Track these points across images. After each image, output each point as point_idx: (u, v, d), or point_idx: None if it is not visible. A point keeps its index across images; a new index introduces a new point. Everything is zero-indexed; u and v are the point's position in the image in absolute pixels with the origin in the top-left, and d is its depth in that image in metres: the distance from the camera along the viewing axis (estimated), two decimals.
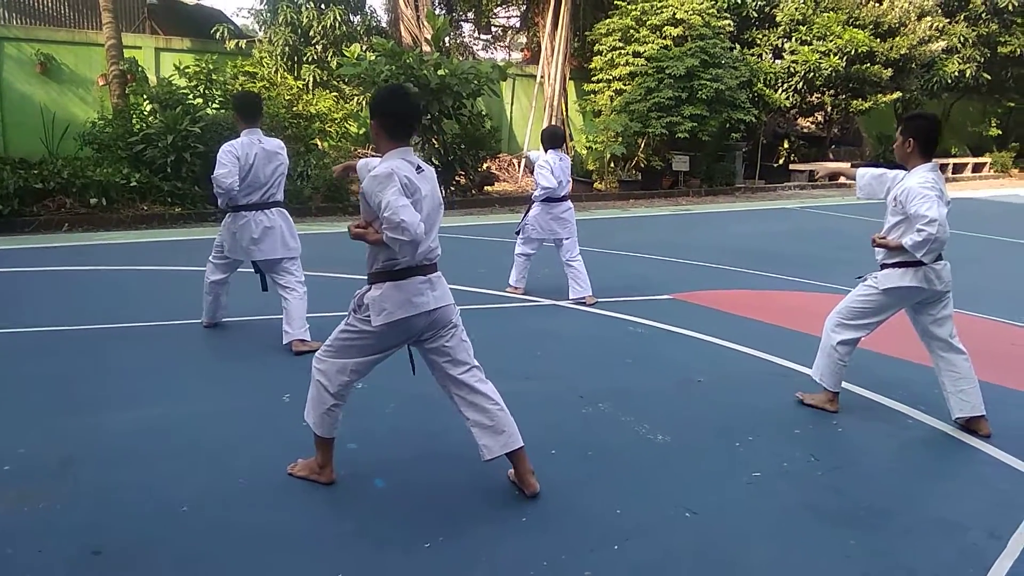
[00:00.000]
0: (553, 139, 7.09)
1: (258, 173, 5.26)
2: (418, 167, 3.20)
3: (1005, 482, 3.70)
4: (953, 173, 23.23)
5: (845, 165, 20.70)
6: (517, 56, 23.50)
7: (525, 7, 20.78)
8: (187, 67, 12.91)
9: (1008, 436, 4.16)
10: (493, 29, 23.60)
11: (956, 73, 20.56)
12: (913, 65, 19.20)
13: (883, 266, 4.29)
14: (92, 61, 13.83)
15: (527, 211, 7.06)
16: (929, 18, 19.09)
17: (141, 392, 4.43)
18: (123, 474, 3.44)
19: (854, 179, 4.70)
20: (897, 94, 19.16)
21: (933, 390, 4.85)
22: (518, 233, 7.14)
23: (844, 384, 4.74)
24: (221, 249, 5.49)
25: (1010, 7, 20.77)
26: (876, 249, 4.34)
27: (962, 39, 20.63)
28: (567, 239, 6.97)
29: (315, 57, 14.63)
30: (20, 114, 13.26)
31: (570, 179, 7.19)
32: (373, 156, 3.55)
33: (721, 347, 5.68)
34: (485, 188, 14.94)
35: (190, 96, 12.39)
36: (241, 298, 6.36)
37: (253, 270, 5.44)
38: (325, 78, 14.66)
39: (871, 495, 3.50)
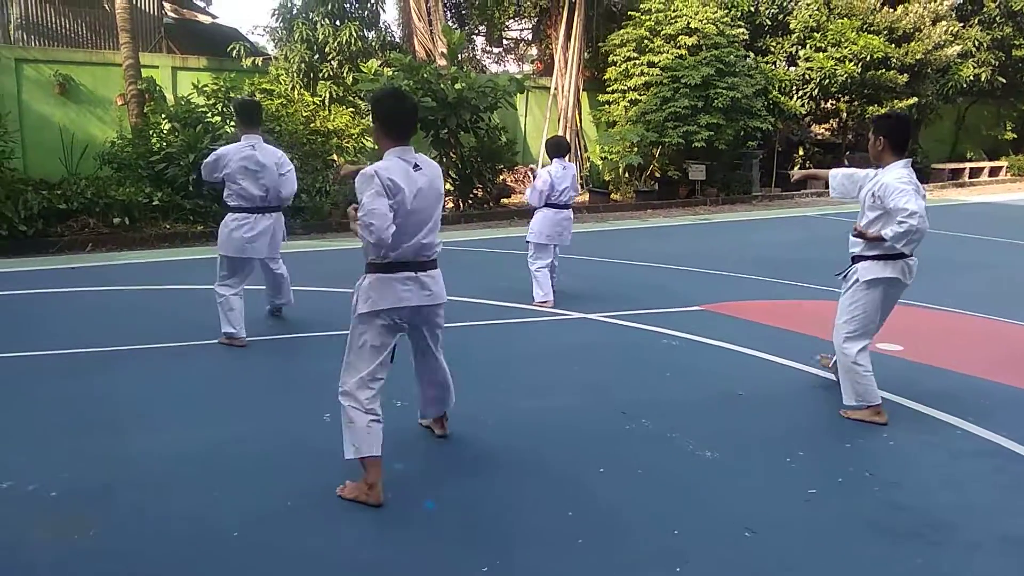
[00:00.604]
0: (558, 148, 7.31)
1: (239, 181, 5.63)
2: (415, 164, 3.34)
3: None
4: (970, 177, 23.05)
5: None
6: (528, 68, 23.53)
7: (537, 19, 20.82)
8: (205, 85, 12.96)
9: None
10: (504, 42, 23.66)
11: (971, 77, 20.42)
12: (928, 70, 19.11)
13: (858, 258, 4.40)
14: (110, 81, 13.92)
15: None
16: (944, 22, 19.01)
17: (175, 414, 4.39)
18: (165, 500, 3.39)
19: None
20: (913, 99, 19.05)
21: (979, 401, 4.79)
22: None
23: (891, 397, 4.68)
24: (225, 254, 5.79)
25: None
26: (852, 241, 4.43)
27: (977, 43, 20.52)
28: (561, 247, 7.29)
29: (331, 73, 14.66)
30: (39, 135, 13.34)
31: (577, 189, 7.39)
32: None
33: (757, 359, 5.60)
34: (502, 201, 14.93)
35: (209, 114, 12.43)
36: (263, 320, 6.37)
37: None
38: (341, 94, 14.69)
39: (932, 510, 3.41)
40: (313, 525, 3.21)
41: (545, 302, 7.09)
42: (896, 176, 4.20)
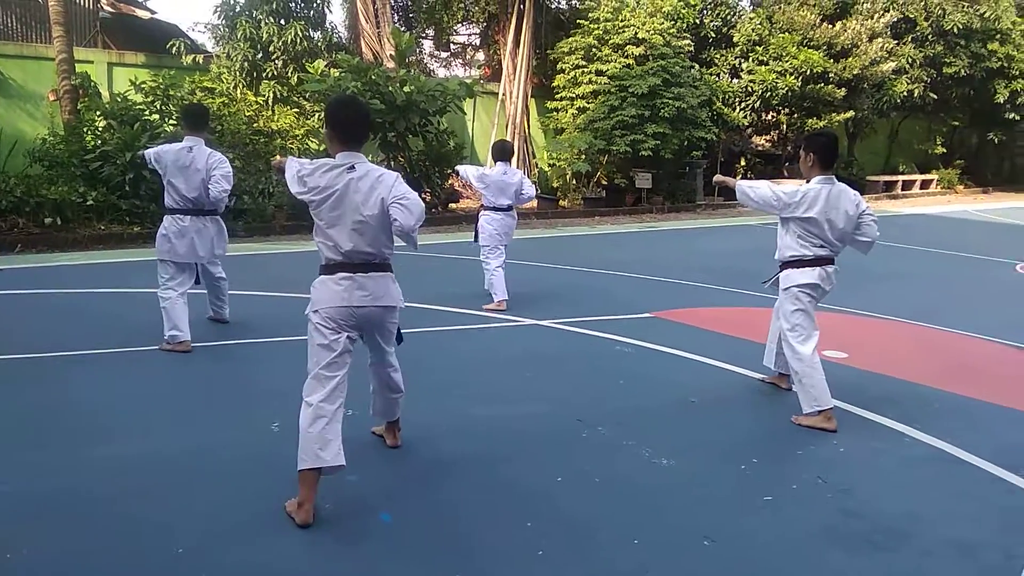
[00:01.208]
0: (502, 153, 7.48)
1: (173, 181, 5.59)
2: (351, 166, 3.34)
3: (1009, 500, 3.70)
4: (902, 190, 23.89)
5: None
6: (476, 73, 23.50)
7: (485, 24, 20.81)
8: (143, 82, 12.57)
9: (1005, 454, 4.18)
10: (452, 46, 23.58)
11: (905, 93, 21.17)
12: (864, 85, 19.73)
13: (782, 266, 4.70)
14: (42, 76, 13.35)
15: (475, 225, 7.48)
16: (880, 40, 19.65)
17: (115, 425, 4.19)
18: (109, 517, 3.22)
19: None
20: (850, 113, 19.65)
21: (924, 407, 4.91)
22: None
23: (839, 404, 4.75)
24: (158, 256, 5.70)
25: (955, 29, 21.50)
26: (778, 249, 4.74)
27: (910, 60, 21.27)
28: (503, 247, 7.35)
29: (275, 73, 14.36)
30: None
31: (530, 193, 7.55)
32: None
33: (709, 366, 5.64)
34: (450, 205, 14.84)
35: (147, 112, 12.04)
36: (207, 325, 6.17)
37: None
38: (286, 94, 14.40)
39: (884, 517, 3.46)
40: (264, 540, 3.08)
41: (501, 302, 7.08)
42: (805, 186, 4.57)
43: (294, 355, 4.19)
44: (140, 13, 16.35)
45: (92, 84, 13.01)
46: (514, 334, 6.44)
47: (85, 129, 11.77)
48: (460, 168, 8.07)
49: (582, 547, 3.12)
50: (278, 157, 4.24)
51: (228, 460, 3.79)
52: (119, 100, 12.19)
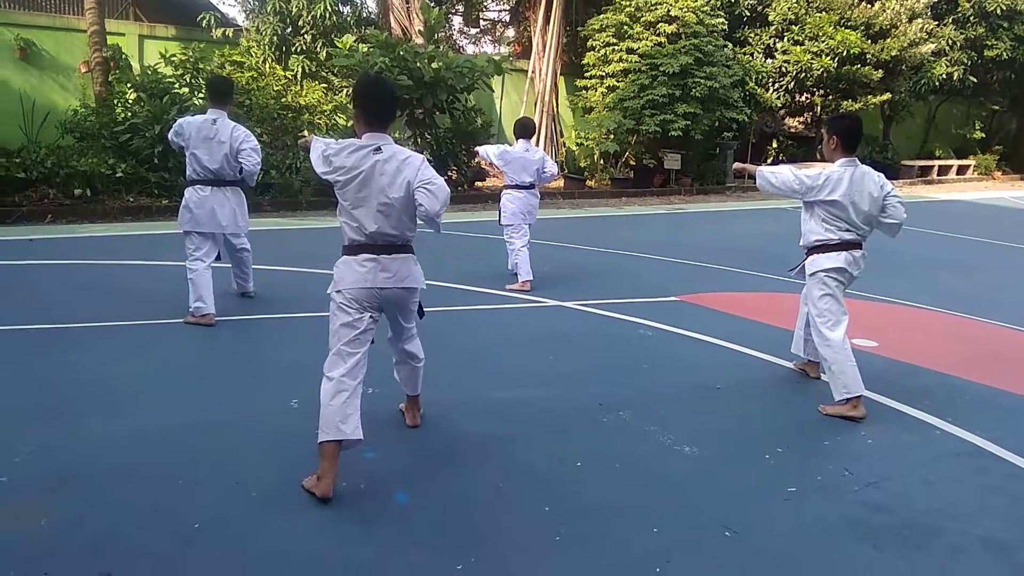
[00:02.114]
0: (524, 130, 7.38)
1: (196, 153, 5.61)
2: (378, 147, 3.32)
3: None
4: (938, 175, 23.36)
5: (832, 166, 20.75)
6: (506, 50, 23.27)
7: (516, 1, 20.55)
8: (173, 55, 12.58)
9: None
10: (482, 23, 23.35)
11: (943, 75, 20.64)
12: (903, 67, 19.24)
13: (808, 252, 4.67)
14: (74, 47, 13.44)
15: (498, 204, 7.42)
16: (919, 20, 19.12)
17: (137, 398, 4.20)
18: (124, 489, 3.22)
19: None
20: (886, 95, 19.20)
21: (956, 400, 4.78)
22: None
23: (868, 394, 4.64)
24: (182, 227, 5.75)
25: (998, 11, 20.88)
26: (802, 235, 4.71)
27: (950, 42, 20.72)
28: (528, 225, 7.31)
29: (304, 47, 14.32)
30: None
31: (553, 172, 7.52)
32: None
33: (734, 351, 5.55)
34: (476, 183, 14.75)
35: (176, 85, 12.06)
36: (231, 299, 6.18)
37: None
38: (314, 69, 14.36)
39: (911, 512, 3.37)
40: (278, 518, 3.07)
41: (526, 282, 7.05)
42: (828, 168, 4.53)
43: (316, 331, 4.17)
44: None
45: (123, 56, 13.06)
46: (537, 315, 6.38)
47: (116, 101, 11.83)
48: (480, 148, 8.01)
49: (600, 534, 3.07)
50: (305, 134, 4.23)
51: (245, 437, 3.78)
52: (149, 73, 12.21)
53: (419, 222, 3.47)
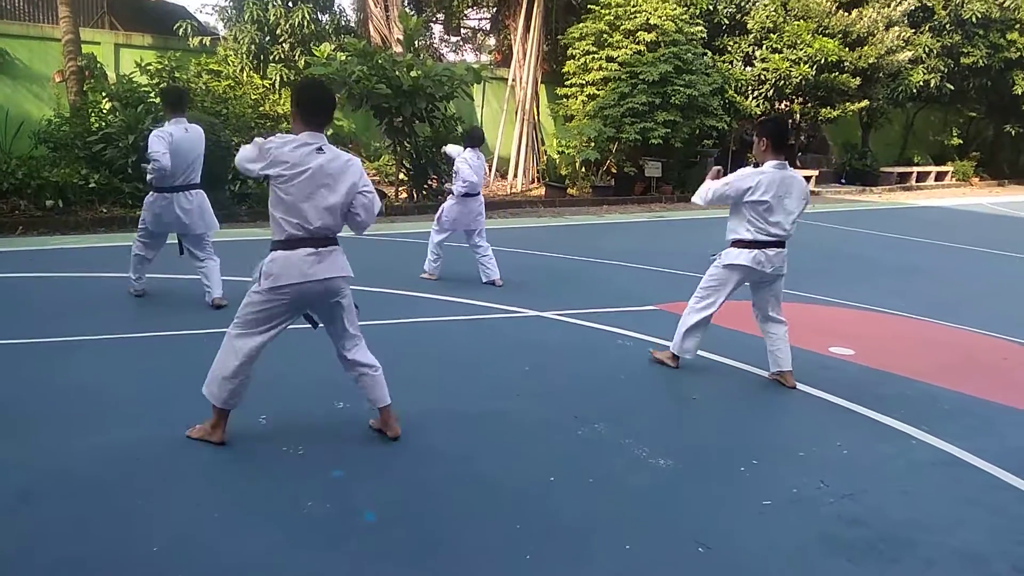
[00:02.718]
0: (473, 139, 7.71)
1: (182, 157, 5.96)
2: (319, 148, 3.50)
3: (1020, 508, 3.57)
4: (917, 182, 23.57)
5: (812, 172, 20.88)
6: (486, 59, 23.26)
7: (496, 9, 20.57)
8: (149, 64, 12.45)
9: (1017, 458, 4.05)
10: (462, 31, 23.35)
11: (921, 83, 20.83)
12: (880, 74, 19.39)
13: (730, 244, 4.96)
14: (48, 56, 13.28)
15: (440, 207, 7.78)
16: (896, 28, 19.29)
17: (105, 413, 4.09)
18: (89, 509, 3.12)
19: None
20: (864, 103, 19.33)
21: (932, 408, 4.77)
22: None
23: (843, 403, 4.66)
24: (144, 224, 6.22)
25: (973, 19, 21.12)
26: (728, 230, 5.00)
27: (927, 49, 20.92)
28: (477, 231, 7.62)
29: (282, 56, 14.24)
30: None
31: (483, 179, 7.86)
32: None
33: (712, 361, 5.52)
34: None
35: (152, 94, 11.92)
36: (201, 313, 6.08)
37: (178, 241, 6.28)
38: (292, 77, 14.26)
39: (887, 524, 3.34)
40: (244, 537, 2.98)
41: (432, 275, 7.64)
42: (757, 170, 4.78)
43: (285, 345, 4.10)
44: None
45: (98, 65, 12.91)
46: (514, 325, 6.33)
47: (90, 111, 11.69)
48: (447, 148, 8.25)
49: (572, 551, 3.01)
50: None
51: (209, 454, 3.69)
52: (124, 82, 12.08)
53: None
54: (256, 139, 3.56)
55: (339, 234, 3.66)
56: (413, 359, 5.14)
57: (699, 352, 5.64)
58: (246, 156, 3.52)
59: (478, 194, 7.60)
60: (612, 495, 3.49)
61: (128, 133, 10.49)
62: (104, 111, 11.71)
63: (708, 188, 4.91)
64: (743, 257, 4.84)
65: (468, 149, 7.58)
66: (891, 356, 5.91)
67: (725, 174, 5.03)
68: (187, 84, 12.59)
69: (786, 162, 4.85)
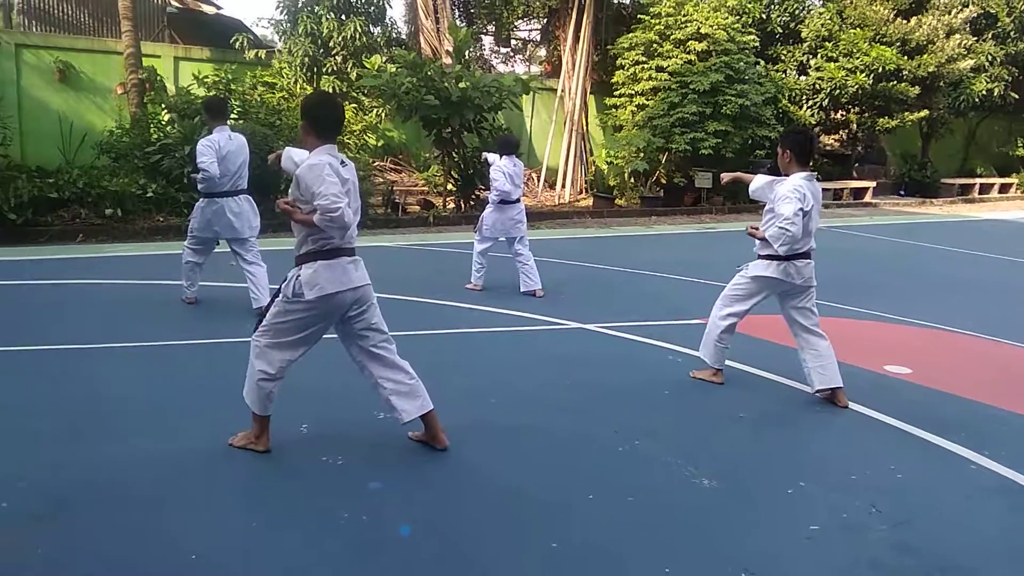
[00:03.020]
0: (507, 146, 7.71)
1: (228, 164, 6.19)
2: (342, 161, 3.59)
3: None
4: (980, 194, 22.78)
5: (870, 184, 20.37)
6: (536, 70, 23.30)
7: (546, 20, 20.59)
8: (206, 76, 12.77)
9: None
10: (513, 42, 23.43)
11: (984, 92, 20.17)
12: (941, 83, 18.86)
13: (758, 256, 4.91)
14: (111, 69, 13.73)
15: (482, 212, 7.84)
16: (958, 36, 18.75)
17: (151, 422, 4.16)
18: (126, 516, 3.16)
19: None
20: (924, 112, 18.82)
21: (994, 431, 4.56)
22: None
23: (899, 424, 4.49)
24: (194, 231, 6.46)
25: None
26: (755, 240, 4.91)
27: (990, 57, 20.27)
28: (518, 238, 7.62)
29: (335, 68, 14.45)
30: (37, 122, 13.15)
31: (522, 185, 7.89)
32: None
33: (761, 378, 5.37)
34: None
35: None
36: (248, 320, 6.15)
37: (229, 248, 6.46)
38: (344, 89, 14.48)
39: (942, 555, 3.18)
40: (280, 547, 2.98)
41: (476, 286, 7.66)
42: (792, 185, 4.64)
43: (329, 353, 4.12)
44: (206, 8, 16.65)
45: (158, 78, 13.30)
46: (558, 338, 6.26)
47: (149, 122, 12.03)
48: (488, 155, 8.19)
49: (608, 573, 2.94)
50: (275, 153, 4.35)
51: (250, 463, 3.71)
52: (183, 94, 12.40)
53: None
54: (319, 171, 3.38)
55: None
56: (450, 371, 5.12)
57: (747, 368, 5.52)
58: (335, 192, 3.35)
59: (516, 201, 7.60)
60: (652, 515, 3.40)
61: (184, 144, 10.76)
62: (163, 122, 12.04)
63: (787, 229, 4.54)
64: (772, 269, 4.82)
65: (504, 157, 7.59)
66: (951, 376, 5.67)
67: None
68: (242, 96, 12.88)
69: (813, 173, 4.83)
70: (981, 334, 6.95)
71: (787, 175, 4.78)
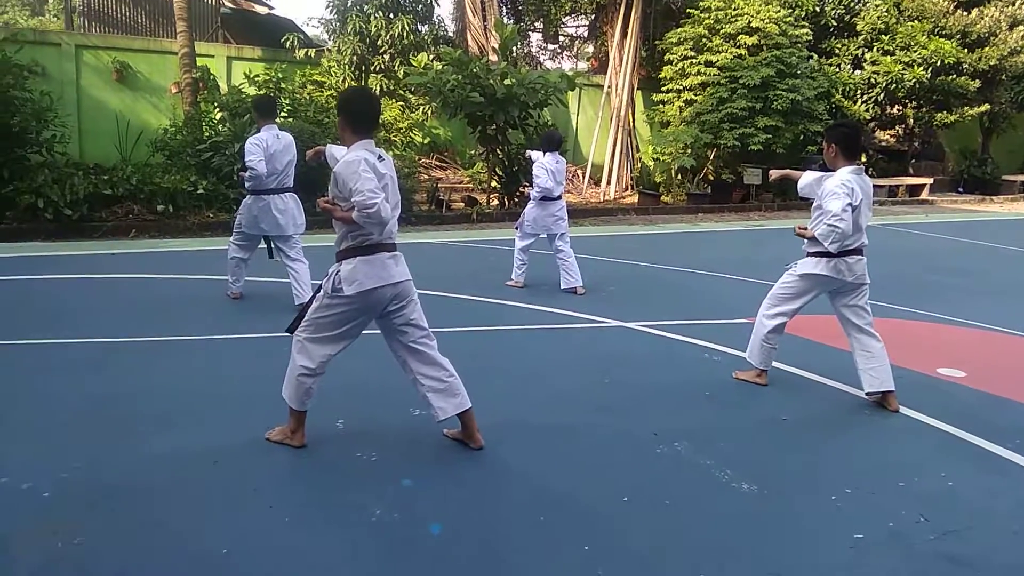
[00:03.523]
0: (551, 142, 7.67)
1: (276, 162, 6.27)
2: (379, 156, 3.59)
3: None
4: None
5: (927, 180, 19.76)
6: (584, 66, 23.16)
7: (594, 16, 20.45)
8: (256, 76, 12.98)
9: None
10: (560, 39, 23.33)
11: None
12: (1003, 76, 18.20)
13: (807, 254, 4.81)
14: (166, 69, 14.07)
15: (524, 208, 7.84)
16: (1021, 27, 18.05)
17: (194, 415, 4.22)
18: (163, 508, 3.21)
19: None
20: (985, 107, 18.18)
21: None
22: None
23: (950, 429, 4.33)
24: (240, 227, 6.54)
25: None
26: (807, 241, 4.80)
27: None
28: (559, 234, 7.59)
29: (382, 66, 14.58)
30: (95, 121, 13.55)
31: (564, 183, 7.85)
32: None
33: (806, 380, 5.23)
34: None
35: None
36: (289, 316, 6.21)
37: (267, 245, 6.58)
38: (392, 87, 14.60)
39: (995, 567, 3.04)
40: (312, 542, 2.99)
41: (518, 283, 7.68)
42: (839, 180, 4.55)
43: (366, 348, 4.14)
44: (258, 8, 16.96)
45: (212, 77, 13.58)
46: (597, 336, 6.20)
47: (202, 120, 12.28)
48: (531, 152, 8.30)
49: None
50: (313, 150, 4.46)
51: (285, 458, 3.74)
52: (234, 92, 12.63)
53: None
54: (355, 167, 3.40)
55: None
56: (487, 369, 5.10)
57: (792, 369, 5.39)
58: (371, 187, 3.37)
59: (558, 198, 7.60)
60: (689, 519, 3.32)
61: (235, 142, 10.94)
62: (215, 121, 12.28)
63: (837, 225, 4.41)
64: (821, 267, 4.70)
65: (547, 153, 7.56)
66: (1008, 380, 5.45)
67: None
68: (292, 95, 13.07)
69: (862, 167, 4.73)
70: None
71: (834, 170, 4.68)
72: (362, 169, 3.41)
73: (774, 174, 5.71)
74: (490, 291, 7.38)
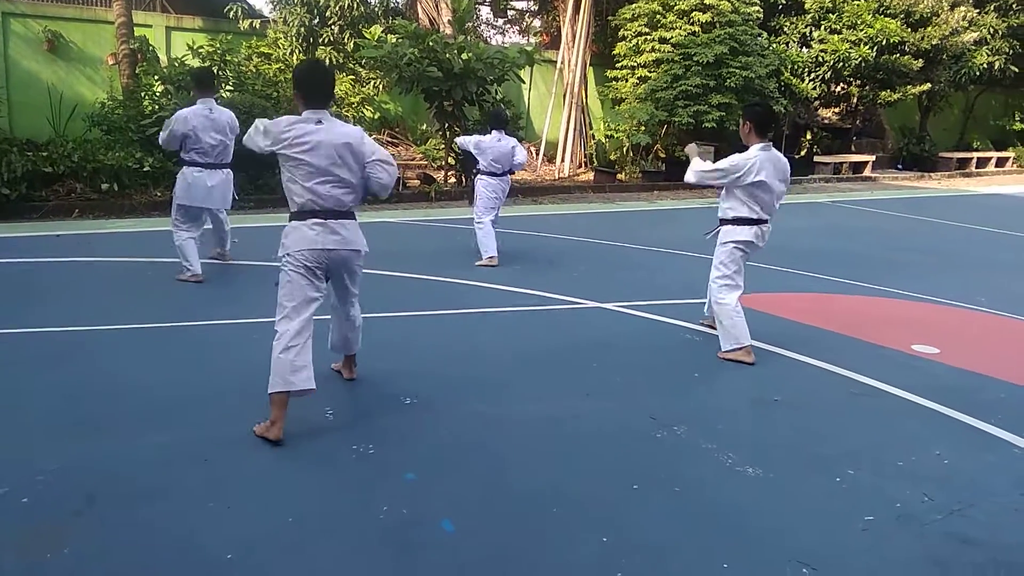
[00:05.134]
0: (497, 120, 7.87)
1: (203, 137, 6.30)
2: (318, 120, 3.66)
3: None
4: (976, 167, 22.66)
5: (869, 157, 20.23)
6: (533, 41, 22.90)
7: None
8: (200, 47, 12.43)
9: None
10: (509, 13, 23.02)
11: (984, 65, 19.99)
12: (943, 56, 18.66)
13: (723, 222, 5.24)
14: (101, 39, 13.34)
15: (472, 188, 7.99)
16: (961, 8, 18.52)
17: (169, 409, 3.99)
18: (155, 513, 3.01)
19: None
20: (926, 86, 18.64)
21: None
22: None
23: (936, 406, 4.40)
24: (177, 200, 6.50)
25: None
26: (721, 209, 5.28)
27: (992, 30, 20.07)
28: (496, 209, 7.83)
29: (331, 39, 14.12)
30: (26, 93, 12.77)
31: (521, 162, 7.83)
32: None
33: (788, 359, 5.26)
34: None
35: None
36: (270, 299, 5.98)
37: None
38: (341, 60, 14.16)
39: (1001, 546, 3.08)
40: (320, 544, 2.84)
41: (492, 258, 7.52)
42: (742, 155, 5.04)
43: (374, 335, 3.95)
44: None
45: (150, 48, 12.92)
46: (576, 317, 6.12)
47: (143, 94, 11.70)
48: (459, 139, 8.39)
49: (664, 571, 2.82)
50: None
51: (277, 452, 3.56)
52: (176, 65, 12.07)
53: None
54: (259, 120, 3.76)
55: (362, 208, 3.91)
56: (472, 356, 4.98)
57: (776, 349, 5.41)
58: (253, 136, 3.73)
59: (503, 174, 7.71)
60: (702, 506, 3.28)
61: None
62: (157, 94, 11.71)
63: (700, 169, 5.22)
64: (747, 232, 5.12)
65: (493, 131, 7.66)
66: (980, 355, 5.58)
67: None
68: (237, 67, 12.56)
69: (770, 144, 5.13)
70: (1003, 312, 6.86)
71: (748, 145, 5.11)
72: (270, 122, 3.68)
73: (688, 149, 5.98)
74: (456, 272, 7.22)
